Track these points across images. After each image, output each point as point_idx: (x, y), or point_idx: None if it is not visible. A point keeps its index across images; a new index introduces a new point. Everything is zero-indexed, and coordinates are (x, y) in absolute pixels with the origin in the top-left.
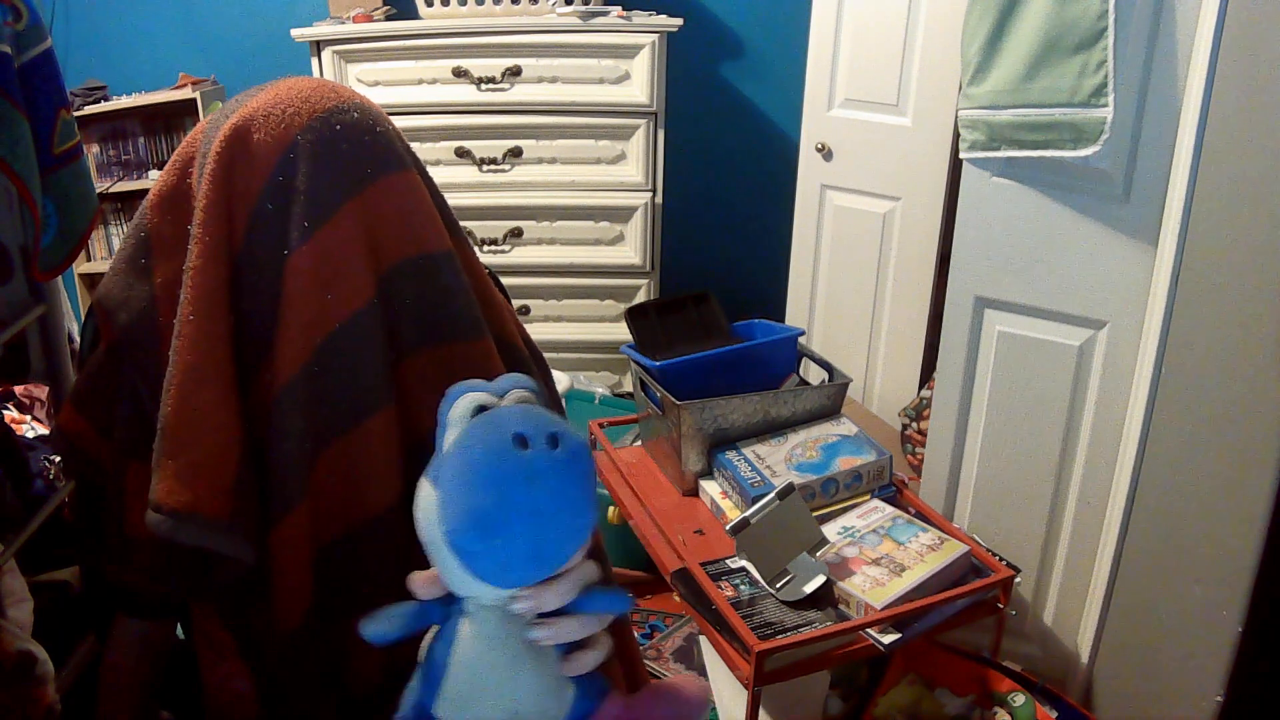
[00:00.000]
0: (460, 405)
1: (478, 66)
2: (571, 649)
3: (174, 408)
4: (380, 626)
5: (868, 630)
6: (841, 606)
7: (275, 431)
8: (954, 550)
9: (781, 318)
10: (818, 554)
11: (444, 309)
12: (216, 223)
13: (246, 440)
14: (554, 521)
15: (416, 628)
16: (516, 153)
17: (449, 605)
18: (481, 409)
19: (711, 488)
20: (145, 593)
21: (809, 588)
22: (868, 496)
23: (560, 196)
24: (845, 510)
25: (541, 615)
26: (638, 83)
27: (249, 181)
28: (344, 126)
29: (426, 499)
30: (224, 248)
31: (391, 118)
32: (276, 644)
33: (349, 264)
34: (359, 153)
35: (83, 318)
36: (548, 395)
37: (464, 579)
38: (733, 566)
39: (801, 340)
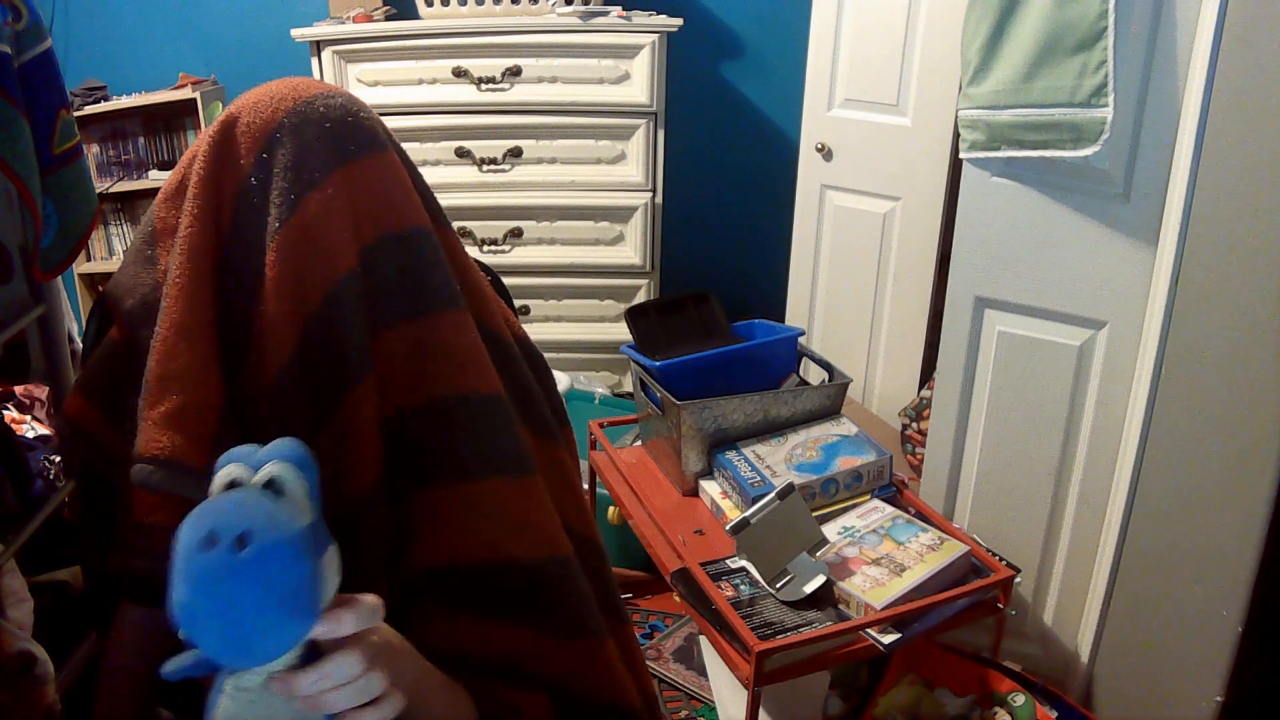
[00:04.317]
0: (216, 481)
1: (478, 66)
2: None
3: (157, 360)
4: (173, 664)
5: (868, 630)
6: (841, 606)
7: (276, 411)
8: (954, 550)
9: (781, 318)
10: (818, 554)
11: (422, 283)
12: (206, 197)
13: (229, 402)
14: (238, 620)
15: (203, 673)
16: (516, 153)
17: None
18: (233, 483)
19: (711, 488)
20: (151, 579)
21: (809, 588)
22: (868, 496)
23: (560, 196)
24: (845, 510)
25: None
26: (638, 83)
27: (237, 160)
28: (328, 109)
29: None
30: (212, 219)
31: (391, 118)
32: None
33: (335, 233)
34: (342, 131)
35: (83, 318)
36: (545, 396)
37: None
38: (733, 566)
39: (801, 340)
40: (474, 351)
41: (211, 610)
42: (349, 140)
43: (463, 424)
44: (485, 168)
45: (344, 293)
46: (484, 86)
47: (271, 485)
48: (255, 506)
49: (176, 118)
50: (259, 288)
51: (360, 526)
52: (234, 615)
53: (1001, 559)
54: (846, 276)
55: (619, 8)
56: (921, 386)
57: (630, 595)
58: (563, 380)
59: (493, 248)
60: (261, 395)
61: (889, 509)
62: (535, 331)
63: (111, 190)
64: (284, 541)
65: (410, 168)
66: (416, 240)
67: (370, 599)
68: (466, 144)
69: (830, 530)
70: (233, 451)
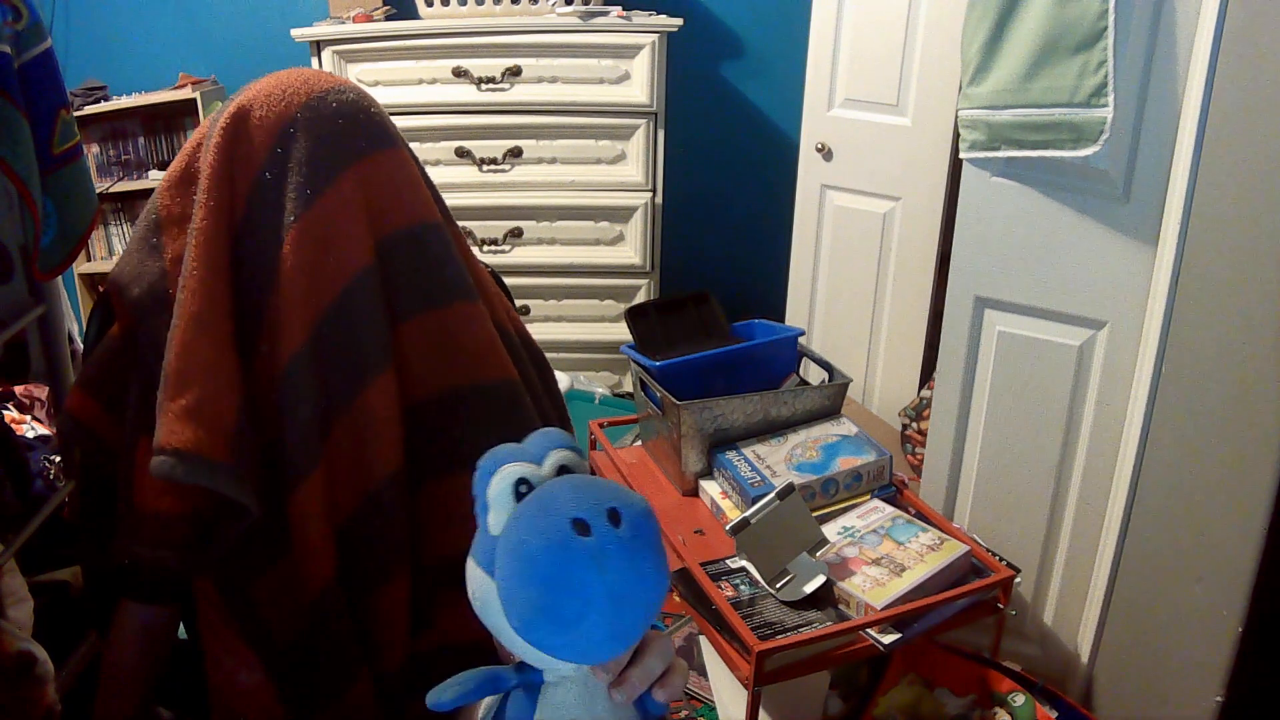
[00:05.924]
0: (498, 483)
1: (478, 66)
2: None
3: (176, 353)
4: (448, 694)
5: (868, 630)
6: (841, 606)
7: (287, 398)
8: (954, 550)
9: (781, 318)
10: (818, 554)
11: (437, 275)
12: (220, 189)
13: (245, 393)
14: (631, 601)
15: (489, 693)
16: (516, 153)
17: (522, 672)
18: (521, 481)
19: (711, 488)
20: (152, 572)
21: (809, 588)
22: (868, 496)
23: (560, 196)
24: (845, 510)
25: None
26: (638, 83)
27: (250, 153)
28: (340, 104)
29: (482, 588)
30: (226, 213)
31: (392, 117)
32: (295, 617)
33: (350, 228)
34: (355, 128)
35: (83, 318)
36: (548, 393)
37: (540, 660)
38: (733, 566)
39: (801, 340)
40: (491, 341)
41: (609, 596)
42: (361, 137)
43: (485, 411)
44: (485, 168)
45: (360, 286)
46: (484, 86)
47: (564, 472)
48: (595, 485)
49: (176, 118)
50: (273, 279)
51: (382, 514)
52: (632, 593)
53: (1001, 559)
54: (846, 276)
55: (619, 8)
56: (921, 386)
57: None
58: (563, 380)
59: (493, 248)
60: (273, 383)
61: (889, 509)
62: (535, 331)
63: (111, 190)
64: (646, 506)
65: (418, 164)
66: (430, 234)
67: None
68: (466, 144)
69: (830, 530)
70: (495, 454)
